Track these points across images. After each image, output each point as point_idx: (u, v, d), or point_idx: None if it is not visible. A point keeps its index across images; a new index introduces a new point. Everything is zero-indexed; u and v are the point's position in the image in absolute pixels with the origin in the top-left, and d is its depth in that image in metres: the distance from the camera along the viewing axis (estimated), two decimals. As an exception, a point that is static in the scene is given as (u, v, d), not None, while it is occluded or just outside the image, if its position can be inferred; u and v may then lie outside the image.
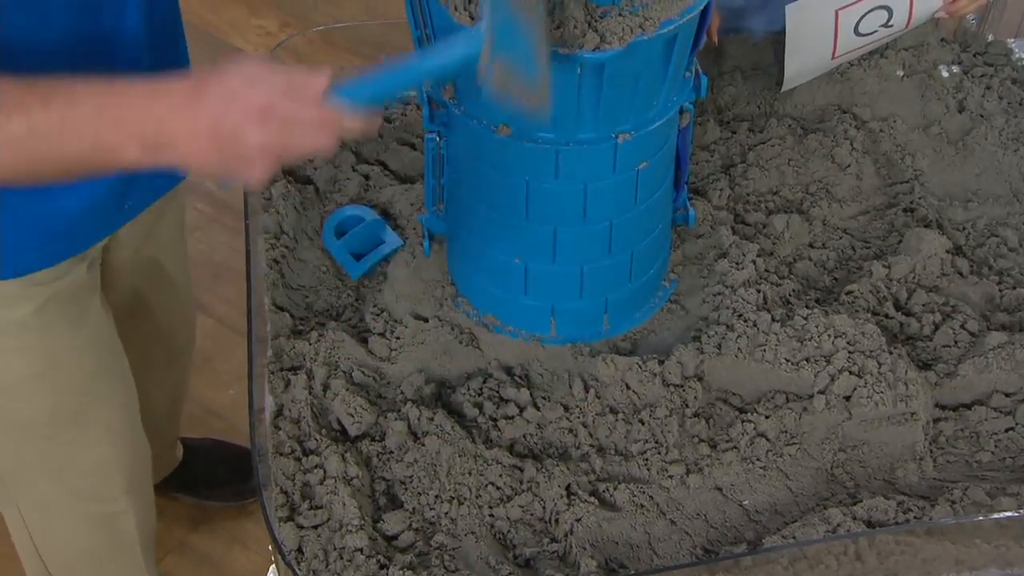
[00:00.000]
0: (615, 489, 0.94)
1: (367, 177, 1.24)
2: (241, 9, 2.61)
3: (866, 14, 1.22)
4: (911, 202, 1.18)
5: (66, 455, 1.20)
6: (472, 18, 0.86)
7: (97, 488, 1.26)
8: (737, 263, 1.09)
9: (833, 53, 1.26)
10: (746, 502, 0.95)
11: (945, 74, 1.29)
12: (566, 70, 0.87)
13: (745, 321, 1.02)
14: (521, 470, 0.96)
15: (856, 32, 1.24)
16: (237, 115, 0.77)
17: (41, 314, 1.08)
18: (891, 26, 1.25)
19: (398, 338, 1.06)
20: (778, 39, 1.32)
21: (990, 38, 1.33)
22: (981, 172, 1.21)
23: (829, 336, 0.98)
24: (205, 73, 0.79)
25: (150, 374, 1.39)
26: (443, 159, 1.05)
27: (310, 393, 1.00)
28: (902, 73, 1.30)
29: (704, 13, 0.91)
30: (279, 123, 0.78)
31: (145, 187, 1.15)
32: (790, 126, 1.27)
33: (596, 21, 0.86)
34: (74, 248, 1.08)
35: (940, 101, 1.27)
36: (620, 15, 0.86)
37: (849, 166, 1.22)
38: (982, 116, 1.25)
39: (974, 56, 1.31)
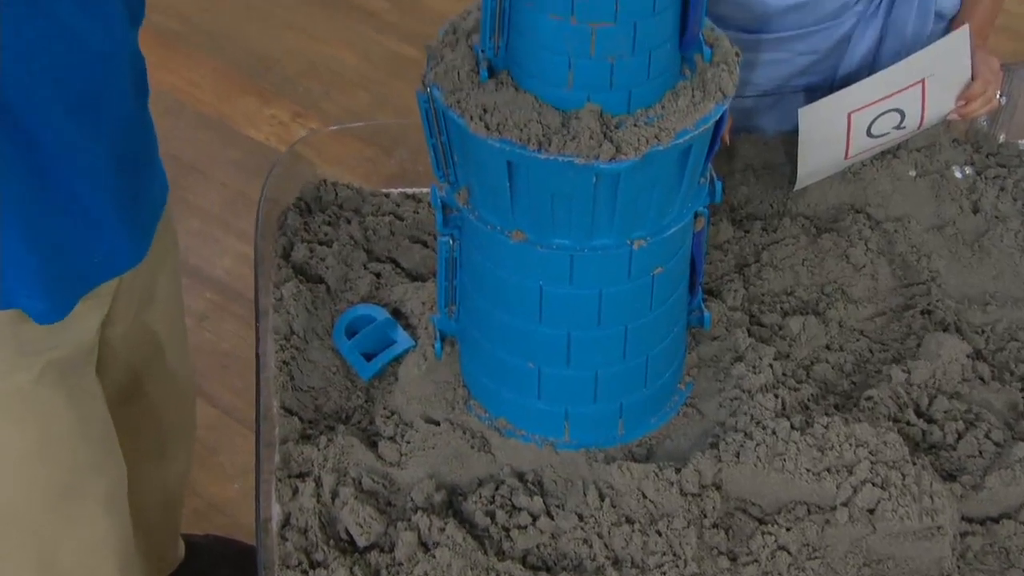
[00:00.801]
0: (632, 605, 0.91)
1: (378, 275, 1.23)
2: (253, 99, 2.64)
3: (879, 116, 1.22)
4: (928, 304, 1.17)
5: (54, 538, 1.17)
6: (489, 129, 0.86)
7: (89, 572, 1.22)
8: (754, 367, 1.07)
9: (846, 154, 1.26)
10: (768, 620, 0.91)
11: (958, 175, 1.29)
12: (581, 178, 0.87)
13: (763, 428, 1.00)
14: (535, 584, 0.93)
15: (868, 134, 1.24)
16: None
17: (37, 384, 1.06)
18: (903, 128, 1.25)
19: (408, 442, 1.04)
20: (789, 138, 1.33)
21: (1002, 139, 1.33)
22: (998, 274, 1.20)
23: (851, 445, 0.96)
24: None
25: (143, 464, 1.36)
26: (456, 261, 1.04)
27: (318, 501, 0.97)
28: (915, 173, 1.30)
29: (719, 120, 0.91)
30: None
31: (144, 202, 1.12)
32: (804, 225, 1.27)
33: (611, 131, 0.86)
34: (83, 286, 1.05)
35: (954, 202, 1.27)
36: (635, 125, 0.86)
37: (864, 267, 1.21)
38: (997, 218, 1.25)
39: (986, 157, 1.31)
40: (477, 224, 0.96)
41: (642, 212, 0.92)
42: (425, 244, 1.28)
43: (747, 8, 1.27)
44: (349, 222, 1.29)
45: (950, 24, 1.31)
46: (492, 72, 0.90)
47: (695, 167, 0.93)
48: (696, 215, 1.00)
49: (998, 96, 1.26)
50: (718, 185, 1.00)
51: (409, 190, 1.36)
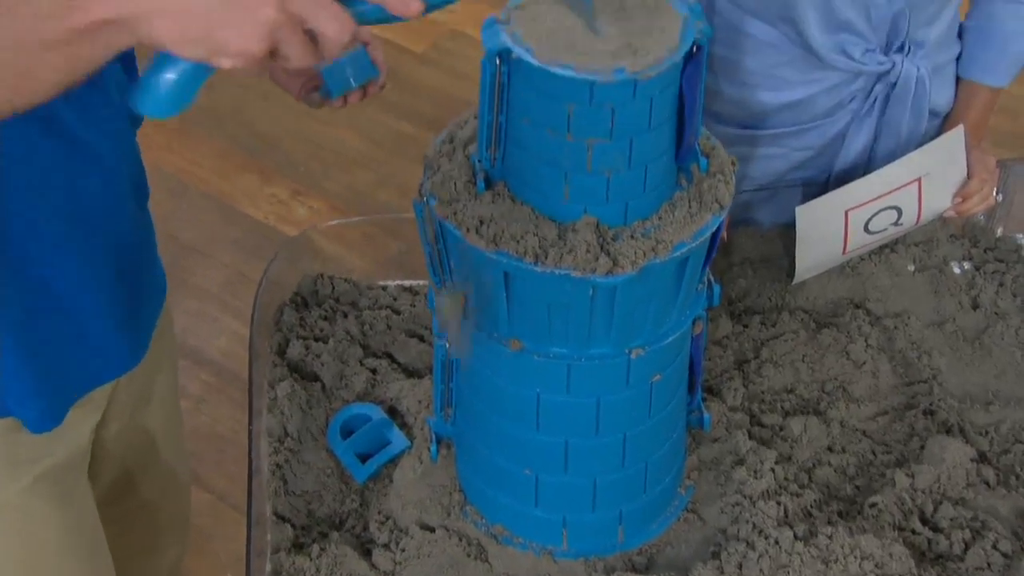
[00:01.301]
0: None
1: (374, 371, 1.22)
2: (253, 177, 2.66)
3: (876, 214, 1.23)
4: (931, 404, 1.15)
5: None
6: (486, 241, 0.86)
7: None
8: (755, 471, 1.05)
9: (844, 249, 1.26)
10: None
11: (957, 271, 1.29)
12: (578, 291, 0.86)
13: (766, 538, 0.98)
14: None
15: (866, 230, 1.24)
16: None
17: (28, 495, 1.04)
18: (901, 224, 1.25)
19: (403, 550, 1.02)
20: (787, 231, 1.33)
21: (999, 233, 1.33)
22: (1000, 373, 1.19)
23: (856, 557, 0.94)
24: None
25: (135, 558, 1.33)
26: (452, 365, 1.03)
27: (310, 615, 0.95)
28: (913, 268, 1.29)
29: (716, 230, 0.91)
30: None
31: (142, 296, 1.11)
32: (803, 320, 1.26)
33: (608, 244, 0.86)
34: (78, 392, 1.04)
35: (953, 297, 1.26)
36: (632, 238, 0.86)
37: (865, 363, 1.20)
38: (996, 314, 1.24)
39: (984, 252, 1.31)
40: (473, 331, 0.95)
41: (640, 322, 0.91)
42: (422, 338, 1.27)
43: (743, 106, 1.28)
44: (346, 316, 1.29)
45: (944, 121, 1.32)
46: (489, 183, 0.90)
47: (692, 276, 0.92)
48: (695, 320, 0.99)
49: (994, 194, 1.26)
50: (716, 289, 0.99)
51: (406, 282, 1.36)
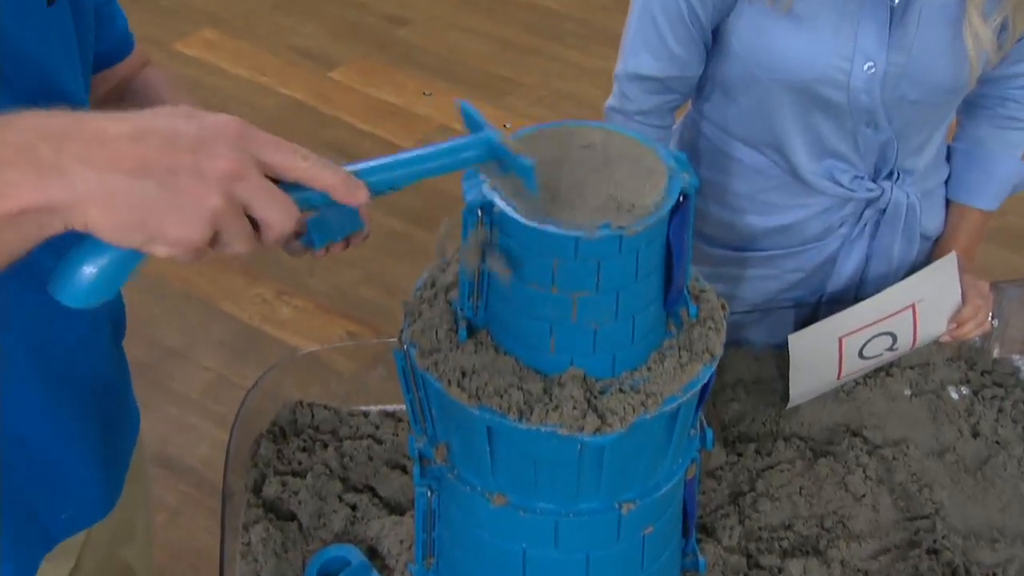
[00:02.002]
0: None
1: (354, 508, 1.17)
2: (238, 278, 2.63)
3: (871, 340, 1.20)
4: (934, 542, 1.11)
5: None
6: (468, 395, 0.82)
7: None
8: (754, 621, 1.00)
9: (838, 375, 1.23)
10: None
11: (955, 396, 1.25)
12: (565, 447, 0.82)
13: None
14: None
15: (861, 355, 1.21)
16: (193, 122, 0.59)
17: None
18: (896, 349, 1.22)
19: None
20: (779, 352, 1.30)
21: (996, 354, 1.30)
22: (1004, 507, 1.15)
23: None
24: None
25: None
26: (435, 513, 0.98)
27: None
28: (910, 392, 1.26)
29: (708, 380, 0.87)
30: (253, 165, 0.60)
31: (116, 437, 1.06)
32: (798, 448, 1.22)
33: (595, 399, 0.82)
34: (50, 544, 0.98)
35: (952, 425, 1.23)
36: (621, 391, 0.82)
37: (864, 496, 1.16)
38: (998, 443, 1.20)
39: (982, 375, 1.28)
40: (456, 483, 0.91)
41: (630, 476, 0.87)
42: (404, 470, 1.23)
43: (732, 229, 1.26)
44: (325, 447, 1.24)
45: (935, 245, 1.30)
46: (471, 331, 0.86)
47: (684, 425, 0.88)
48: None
49: (989, 318, 1.24)
50: (709, 433, 0.95)
51: (389, 407, 1.32)
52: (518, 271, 0.81)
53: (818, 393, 1.25)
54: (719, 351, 0.86)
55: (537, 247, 0.78)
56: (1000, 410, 1.23)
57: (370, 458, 1.24)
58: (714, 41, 1.16)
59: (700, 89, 1.22)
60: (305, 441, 1.25)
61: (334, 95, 3.26)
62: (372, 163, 0.69)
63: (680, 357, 0.86)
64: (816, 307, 1.30)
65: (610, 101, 1.23)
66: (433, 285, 0.91)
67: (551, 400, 0.81)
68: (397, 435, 1.27)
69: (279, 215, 0.62)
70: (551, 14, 3.68)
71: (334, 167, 0.64)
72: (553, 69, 3.39)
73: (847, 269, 1.26)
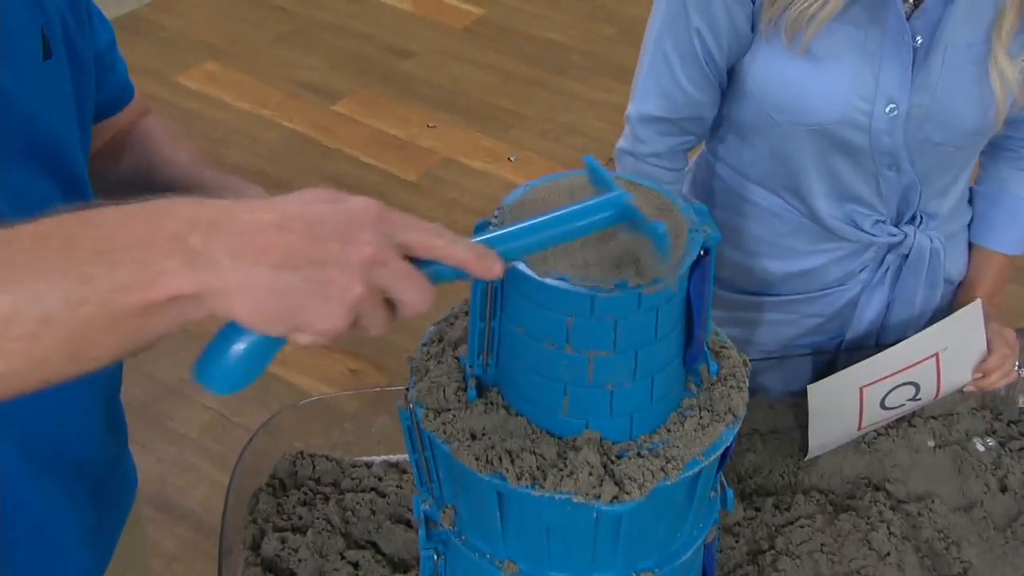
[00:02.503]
0: None
1: (356, 565, 1.12)
2: (239, 313, 2.59)
3: (893, 390, 1.15)
4: (964, 604, 1.06)
5: None
6: (478, 459, 0.78)
7: None
8: None
9: (859, 425, 1.18)
10: None
11: (980, 448, 1.21)
12: (580, 515, 0.77)
13: None
14: None
15: (882, 406, 1.17)
16: (337, 207, 0.60)
17: None
18: (919, 399, 1.18)
19: None
20: (797, 400, 1.26)
21: (1022, 403, 1.25)
22: (1036, 566, 1.10)
23: None
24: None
25: None
26: (441, 578, 0.93)
27: None
28: (933, 443, 1.21)
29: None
30: (393, 249, 0.61)
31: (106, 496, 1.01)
32: (819, 502, 1.17)
33: (612, 464, 0.77)
34: None
35: (979, 479, 1.18)
36: (639, 456, 0.78)
37: (888, 554, 1.11)
38: (1028, 498, 1.15)
39: (1008, 425, 1.23)
40: (463, 548, 0.86)
41: (648, 544, 0.82)
42: (408, 524, 1.18)
43: (748, 273, 1.22)
44: (326, 500, 1.19)
45: (958, 289, 1.26)
46: (481, 390, 0.82)
47: (705, 489, 0.84)
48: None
49: (1016, 367, 1.19)
50: (730, 494, 0.91)
51: (393, 457, 1.27)
52: (530, 329, 0.77)
53: (838, 444, 1.21)
54: (742, 411, 0.82)
55: (550, 304, 0.74)
56: (1029, 462, 1.19)
57: (373, 512, 1.19)
58: (729, 81, 1.12)
59: (714, 130, 1.19)
60: (306, 494, 1.20)
61: (337, 128, 3.24)
62: (503, 231, 0.68)
63: (701, 418, 0.81)
64: (835, 354, 1.25)
65: (621, 143, 1.20)
66: (440, 340, 0.87)
67: (566, 465, 0.77)
68: (401, 487, 1.22)
69: (417, 296, 0.63)
70: (555, 46, 3.66)
71: (467, 242, 0.65)
72: (557, 102, 3.37)
73: (868, 315, 1.22)
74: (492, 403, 0.82)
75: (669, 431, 0.80)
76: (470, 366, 0.82)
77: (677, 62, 1.10)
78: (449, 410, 0.81)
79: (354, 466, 1.25)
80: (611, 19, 3.78)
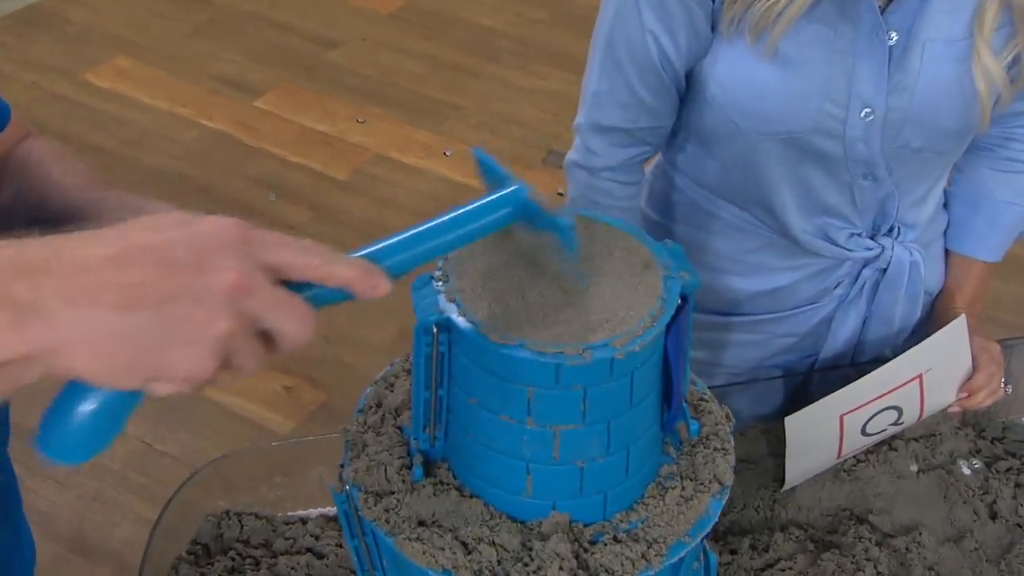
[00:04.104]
0: None
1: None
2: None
3: (874, 415, 1.06)
4: (961, 651, 0.97)
5: None
6: (427, 555, 0.66)
7: None
8: None
9: (839, 453, 1.09)
10: None
11: (966, 471, 1.12)
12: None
13: None
14: None
15: (863, 432, 1.08)
16: (187, 230, 0.51)
17: None
18: (901, 423, 1.09)
19: None
20: (769, 427, 1.16)
21: (1006, 419, 1.18)
22: (1035, 603, 1.02)
23: None
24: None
25: None
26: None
27: None
28: (916, 468, 1.13)
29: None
30: (261, 273, 0.51)
31: None
32: (798, 539, 1.08)
33: (586, 552, 0.66)
34: None
35: (967, 505, 1.10)
36: (616, 541, 0.67)
37: (877, 596, 1.02)
38: (1020, 527, 1.07)
39: (992, 443, 1.15)
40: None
41: (628, 635, 0.71)
42: (354, 587, 1.06)
43: (714, 293, 1.12)
44: (257, 565, 1.07)
45: (936, 299, 1.17)
46: (428, 467, 0.71)
47: (689, 568, 0.73)
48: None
49: (1003, 384, 1.11)
50: (712, 559, 0.80)
51: (330, 510, 1.15)
52: (484, 401, 0.65)
53: (816, 472, 1.12)
54: (729, 478, 0.72)
55: (507, 374, 0.63)
56: (1018, 485, 1.11)
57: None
58: (687, 86, 1.02)
59: (672, 138, 1.08)
60: (234, 560, 1.07)
61: (260, 125, 3.07)
62: (387, 242, 0.58)
63: (683, 488, 0.71)
64: (808, 374, 1.16)
65: (572, 155, 1.08)
66: (379, 407, 0.75)
67: (532, 558, 0.66)
68: (341, 546, 1.10)
69: (296, 325, 0.54)
70: (486, 32, 3.53)
71: (348, 260, 0.56)
72: (491, 91, 3.24)
73: (843, 333, 1.13)
74: (442, 483, 0.70)
75: (647, 506, 0.70)
76: (414, 439, 0.71)
77: (630, 67, 0.98)
78: (392, 493, 0.70)
79: (287, 523, 1.12)
80: (543, 2, 3.66)
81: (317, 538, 1.10)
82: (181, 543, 1.08)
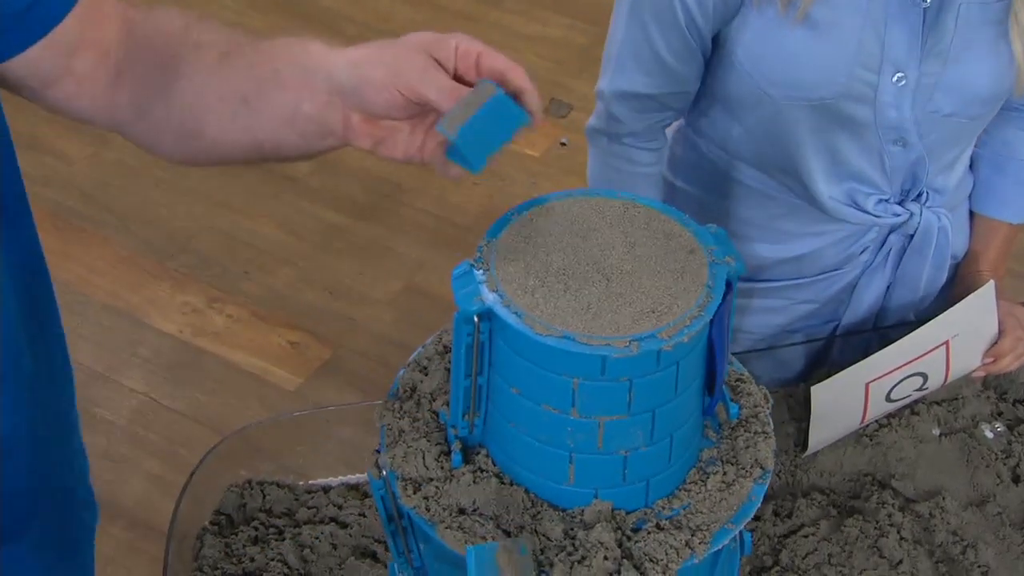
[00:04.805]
0: None
1: (321, 612, 1.00)
2: (165, 286, 2.40)
3: (899, 382, 1.06)
4: (985, 616, 0.98)
5: None
6: (467, 539, 0.66)
7: None
8: None
9: (862, 420, 1.09)
10: None
11: (989, 434, 1.12)
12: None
13: None
14: None
15: (888, 399, 1.08)
16: None
17: None
18: (926, 388, 1.09)
19: None
20: (791, 390, 1.16)
21: (1027, 379, 1.17)
22: (1058, 567, 1.03)
23: None
24: None
25: None
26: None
27: None
28: (939, 432, 1.13)
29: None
30: None
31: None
32: (821, 505, 1.08)
33: (629, 541, 0.66)
34: None
35: (990, 469, 1.10)
36: (659, 528, 0.67)
37: (901, 562, 1.02)
38: (1042, 490, 1.08)
39: (1014, 405, 1.15)
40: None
41: (668, 618, 0.71)
42: (375, 558, 1.06)
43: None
44: (280, 535, 1.07)
45: (960, 263, 1.16)
46: (467, 453, 0.70)
47: (729, 551, 0.73)
48: None
49: (1028, 348, 1.10)
50: (747, 537, 0.80)
51: (352, 478, 1.14)
52: (528, 391, 0.64)
53: (839, 437, 1.12)
54: (771, 463, 0.71)
55: (552, 365, 0.62)
56: (1040, 449, 1.11)
57: (334, 547, 1.06)
58: (712, 50, 0.99)
59: (695, 103, 1.05)
60: (257, 529, 1.07)
61: (257, 73, 3.01)
62: None
63: (725, 473, 0.70)
64: (830, 341, 1.15)
65: (593, 121, 1.06)
66: (413, 392, 0.74)
67: (575, 548, 0.65)
68: (364, 515, 1.09)
69: None
70: (486, -25, 3.45)
71: None
72: (492, 38, 3.16)
73: (867, 298, 1.12)
74: (481, 470, 0.69)
75: (689, 492, 0.69)
76: (452, 426, 0.70)
77: (656, 31, 0.95)
78: (431, 480, 0.69)
79: (309, 492, 1.12)
80: (543, -56, 3.58)
81: (340, 507, 1.10)
82: (204, 514, 1.07)
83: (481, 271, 0.64)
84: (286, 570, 1.04)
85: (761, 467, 0.70)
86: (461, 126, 0.61)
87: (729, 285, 0.65)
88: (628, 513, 0.67)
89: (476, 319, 0.62)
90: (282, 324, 2.36)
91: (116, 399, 2.16)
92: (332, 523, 1.09)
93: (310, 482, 1.14)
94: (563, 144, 2.75)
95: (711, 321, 0.65)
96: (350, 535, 1.08)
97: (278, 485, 1.12)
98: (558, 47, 3.10)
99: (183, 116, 0.73)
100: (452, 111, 0.61)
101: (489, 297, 0.62)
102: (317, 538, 1.07)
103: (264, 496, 1.11)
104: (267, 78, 0.70)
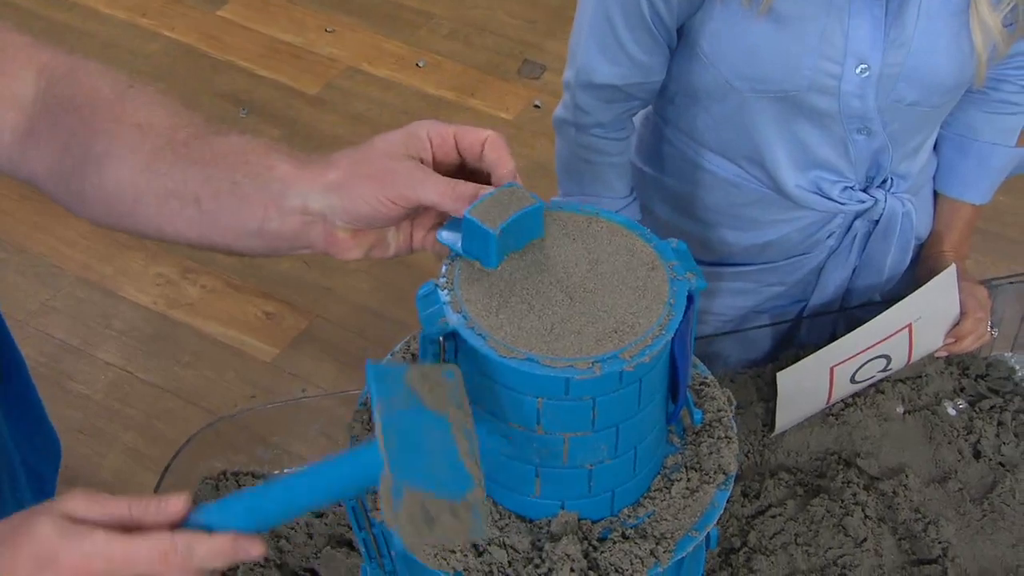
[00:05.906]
0: None
1: (297, 600, 1.02)
2: (136, 255, 2.38)
3: (864, 364, 1.08)
4: (945, 590, 1.01)
5: None
6: (437, 556, 0.67)
7: None
8: None
9: (828, 401, 1.11)
10: None
11: (952, 411, 1.15)
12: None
13: None
14: None
15: (852, 381, 1.10)
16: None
17: None
18: (889, 370, 1.11)
19: None
20: (758, 372, 1.18)
21: (988, 356, 1.20)
22: (1017, 541, 1.06)
23: None
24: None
25: None
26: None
27: None
28: (903, 409, 1.15)
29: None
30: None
31: None
32: (788, 484, 1.11)
33: (595, 551, 0.68)
34: None
35: (952, 445, 1.12)
36: (624, 538, 0.68)
37: (865, 539, 1.05)
38: (1002, 465, 1.11)
39: (976, 380, 1.18)
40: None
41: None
42: (351, 547, 1.08)
43: (705, 245, 1.12)
44: (258, 526, 1.08)
45: (923, 244, 1.17)
46: (435, 467, 0.71)
47: (695, 555, 0.75)
48: None
49: (989, 329, 1.12)
50: (713, 533, 0.82)
51: (327, 465, 1.15)
52: (493, 409, 0.65)
53: (805, 418, 1.14)
54: (734, 468, 0.72)
55: (517, 385, 0.63)
56: (1000, 423, 1.13)
57: (310, 536, 1.08)
58: (678, 42, 0.99)
59: (662, 91, 1.05)
60: (234, 521, 1.08)
61: (225, 36, 2.96)
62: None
63: (688, 480, 0.72)
64: (797, 322, 1.17)
65: (560, 111, 1.05)
66: (381, 403, 0.75)
67: (542, 560, 0.67)
68: (340, 504, 1.11)
69: None
70: (456, -71, 3.39)
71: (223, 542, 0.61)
72: (464, -5, 3.14)
73: (833, 281, 1.13)
74: (449, 481, 0.70)
75: (654, 499, 0.71)
76: (420, 438, 0.71)
77: (621, 23, 0.95)
78: (400, 494, 0.70)
79: (285, 481, 1.13)
80: None
81: (316, 497, 1.12)
82: (181, 508, 1.08)
83: (446, 291, 0.64)
84: (262, 560, 1.05)
85: (724, 472, 0.72)
86: (503, 224, 0.62)
87: (690, 300, 0.66)
88: (594, 522, 0.69)
89: (441, 340, 0.63)
90: (257, 294, 2.36)
91: (91, 372, 2.16)
92: (307, 513, 1.10)
93: (285, 471, 1.15)
94: (536, 107, 2.73)
95: (672, 339, 0.66)
96: (325, 524, 1.09)
97: (253, 475, 1.13)
98: (531, 6, 3.07)
99: (113, 200, 0.68)
100: (477, 207, 0.61)
101: (453, 319, 0.63)
102: (292, 528, 1.08)
103: (239, 487, 1.12)
104: (224, 188, 0.65)
